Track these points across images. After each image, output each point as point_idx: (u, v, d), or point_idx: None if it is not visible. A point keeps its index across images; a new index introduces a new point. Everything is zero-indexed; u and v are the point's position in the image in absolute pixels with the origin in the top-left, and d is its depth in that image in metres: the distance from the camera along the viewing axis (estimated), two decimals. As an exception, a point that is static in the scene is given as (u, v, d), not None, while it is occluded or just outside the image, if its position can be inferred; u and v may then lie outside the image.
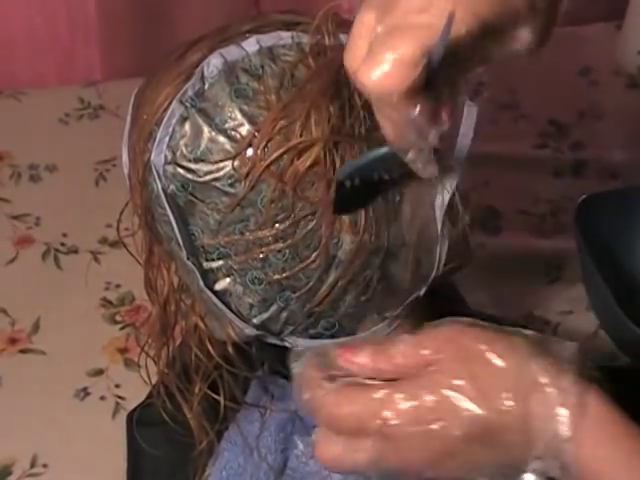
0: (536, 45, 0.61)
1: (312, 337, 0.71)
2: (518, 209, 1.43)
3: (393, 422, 0.57)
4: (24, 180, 1.49)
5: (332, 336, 0.71)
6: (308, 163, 0.65)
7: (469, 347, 0.59)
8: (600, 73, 1.69)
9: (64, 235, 1.40)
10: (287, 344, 0.72)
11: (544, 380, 0.57)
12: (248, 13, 1.83)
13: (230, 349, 0.74)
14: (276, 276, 0.68)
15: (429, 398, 0.57)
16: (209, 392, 0.76)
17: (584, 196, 1.17)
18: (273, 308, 0.70)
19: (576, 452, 0.56)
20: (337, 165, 0.65)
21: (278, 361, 0.75)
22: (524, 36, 0.61)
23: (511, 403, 0.56)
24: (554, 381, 0.56)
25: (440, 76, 0.56)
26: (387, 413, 0.58)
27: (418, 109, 0.56)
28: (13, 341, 1.26)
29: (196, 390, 0.76)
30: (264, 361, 0.76)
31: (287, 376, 0.76)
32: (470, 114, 0.71)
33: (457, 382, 0.57)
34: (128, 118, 0.74)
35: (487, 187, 1.45)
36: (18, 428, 1.16)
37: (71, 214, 1.43)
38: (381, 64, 0.55)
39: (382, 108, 0.58)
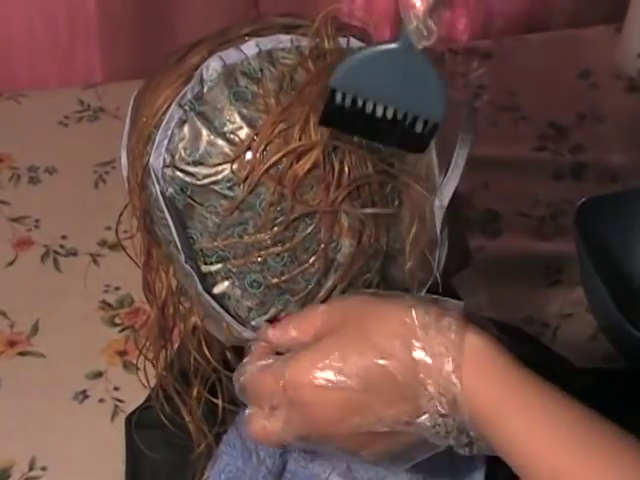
0: None
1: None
2: (518, 212, 1.43)
3: (292, 387, 0.62)
4: (23, 182, 1.49)
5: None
6: (307, 166, 0.65)
7: (361, 308, 0.63)
8: (600, 76, 1.69)
9: (63, 237, 1.39)
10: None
11: (425, 321, 0.60)
12: (248, 14, 1.83)
13: (228, 352, 0.74)
14: (275, 279, 0.68)
15: (323, 358, 0.61)
16: (208, 395, 0.76)
17: (584, 199, 1.17)
18: (272, 311, 0.70)
19: (462, 386, 0.59)
20: (336, 169, 0.65)
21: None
22: None
23: (398, 347, 0.60)
24: (435, 322, 0.60)
25: None
26: (288, 379, 0.63)
27: None
28: (12, 343, 1.25)
29: (194, 393, 0.76)
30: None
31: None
32: (471, 118, 0.71)
33: (347, 338, 0.62)
34: (127, 120, 0.74)
35: (487, 190, 1.45)
36: (17, 431, 1.15)
37: (70, 216, 1.42)
38: None
39: None
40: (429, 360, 0.59)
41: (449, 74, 1.71)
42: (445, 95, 0.62)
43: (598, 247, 1.15)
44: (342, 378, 0.61)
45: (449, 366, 0.59)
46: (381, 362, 0.60)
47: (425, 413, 0.60)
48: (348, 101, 0.62)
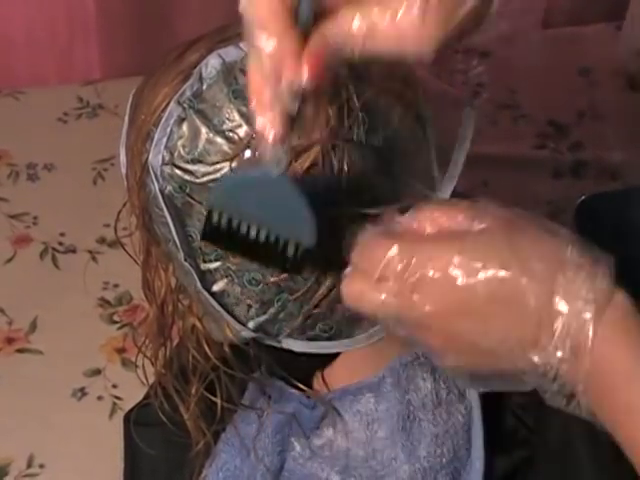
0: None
1: (309, 339, 0.71)
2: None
3: (421, 269, 0.57)
4: (22, 179, 1.49)
5: (329, 338, 0.71)
6: (306, 165, 0.65)
7: (514, 222, 0.59)
8: (600, 73, 1.69)
9: (62, 234, 1.40)
10: (284, 346, 0.72)
11: (580, 261, 0.56)
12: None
13: (227, 350, 0.74)
14: (273, 278, 0.68)
15: (463, 252, 0.57)
16: (206, 393, 0.76)
17: (583, 197, 1.17)
18: (270, 310, 0.69)
19: (594, 337, 0.55)
20: (335, 167, 0.65)
21: (275, 363, 0.75)
22: None
23: (541, 268, 0.56)
24: (589, 266, 0.56)
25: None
26: (418, 258, 0.57)
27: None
28: (10, 340, 1.25)
29: (193, 391, 0.76)
30: (261, 363, 0.76)
31: (284, 378, 0.76)
32: (468, 118, 0.71)
33: (493, 244, 0.57)
34: (126, 118, 0.73)
35: (486, 187, 1.45)
36: (15, 428, 1.16)
37: (69, 213, 1.42)
38: None
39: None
40: (570, 299, 0.55)
41: (449, 72, 1.71)
42: (312, 222, 0.61)
43: (596, 244, 1.15)
44: (473, 281, 0.56)
45: (589, 313, 0.55)
46: (521, 279, 0.56)
47: (539, 348, 0.56)
48: (224, 221, 0.62)
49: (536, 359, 0.56)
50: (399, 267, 0.58)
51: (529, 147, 1.54)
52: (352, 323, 0.71)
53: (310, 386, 0.76)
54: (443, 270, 0.57)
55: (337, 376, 0.75)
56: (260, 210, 0.61)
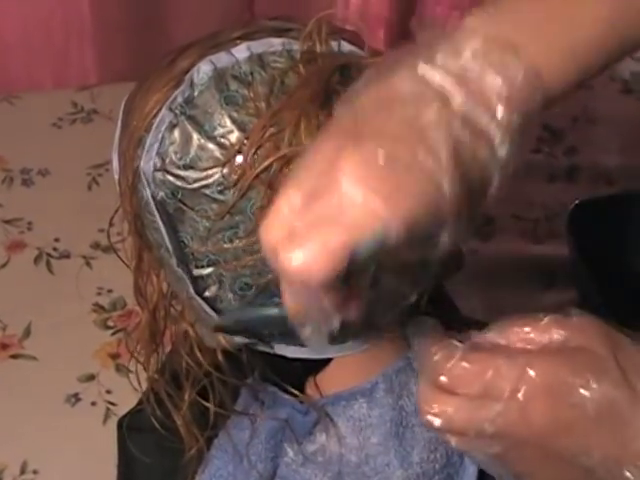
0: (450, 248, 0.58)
1: (302, 345, 0.71)
2: (511, 214, 1.43)
3: (531, 386, 0.56)
4: (16, 184, 1.49)
5: (322, 344, 0.71)
6: None
7: (614, 335, 0.58)
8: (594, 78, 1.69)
9: (56, 240, 1.39)
10: (277, 351, 0.72)
11: None
12: (242, 17, 1.83)
13: (220, 356, 0.74)
14: (266, 283, 0.68)
15: (571, 372, 0.56)
16: (199, 399, 0.76)
17: (577, 201, 1.17)
18: (263, 315, 0.69)
19: None
20: None
21: (268, 369, 0.75)
22: (443, 243, 0.57)
23: None
24: None
25: (356, 271, 0.55)
26: (530, 376, 0.56)
27: (329, 297, 0.54)
28: (4, 346, 1.25)
29: (186, 397, 0.76)
30: (254, 369, 0.76)
31: (277, 383, 0.76)
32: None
33: (599, 364, 0.57)
34: (118, 124, 0.73)
35: (480, 192, 1.45)
36: (8, 434, 1.15)
37: (63, 219, 1.42)
38: (308, 250, 0.52)
39: (291, 284, 0.55)
40: None
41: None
42: None
43: (591, 249, 1.15)
44: (584, 399, 0.56)
45: None
46: (629, 399, 0.56)
47: (635, 466, 0.56)
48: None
49: (629, 475, 0.56)
50: (505, 385, 0.56)
51: (524, 151, 1.54)
52: (344, 329, 0.71)
53: (303, 392, 0.76)
54: (553, 387, 0.56)
55: (330, 382, 0.75)
56: None
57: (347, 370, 0.75)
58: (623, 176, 1.48)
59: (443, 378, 0.58)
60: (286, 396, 0.76)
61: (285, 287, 0.55)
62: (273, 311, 0.63)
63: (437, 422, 0.58)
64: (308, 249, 0.52)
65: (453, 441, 0.58)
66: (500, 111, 0.55)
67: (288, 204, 0.54)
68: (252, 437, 0.77)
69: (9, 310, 1.29)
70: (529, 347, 0.59)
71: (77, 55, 1.84)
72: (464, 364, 0.58)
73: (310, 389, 0.76)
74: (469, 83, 0.55)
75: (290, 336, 0.63)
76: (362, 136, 0.54)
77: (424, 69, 0.56)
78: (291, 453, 0.76)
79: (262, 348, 0.72)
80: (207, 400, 0.76)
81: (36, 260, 1.37)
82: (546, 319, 0.59)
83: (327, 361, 0.74)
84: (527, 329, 0.59)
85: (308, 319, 0.56)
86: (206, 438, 0.79)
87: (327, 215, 0.53)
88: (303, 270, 0.52)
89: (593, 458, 0.56)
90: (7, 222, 1.42)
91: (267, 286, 0.68)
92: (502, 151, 0.56)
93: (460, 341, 0.60)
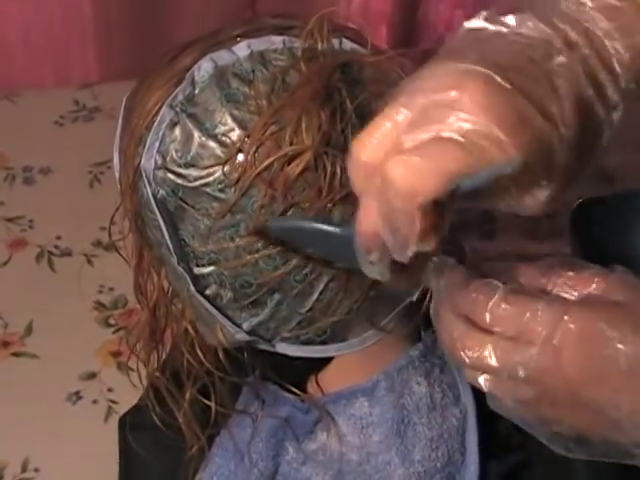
0: (547, 205, 0.56)
1: (303, 343, 0.71)
2: (513, 212, 1.43)
3: (564, 333, 0.55)
4: (18, 182, 1.49)
5: (323, 342, 0.71)
6: (299, 169, 0.64)
7: None
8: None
9: (58, 238, 1.39)
10: (278, 350, 0.72)
11: None
12: (243, 15, 1.83)
13: (221, 355, 0.74)
14: (267, 281, 0.68)
15: (606, 324, 0.55)
16: (200, 397, 0.76)
17: (579, 200, 1.17)
18: (264, 312, 0.69)
19: None
20: (328, 172, 0.65)
21: (269, 367, 0.75)
22: (539, 193, 0.56)
23: None
24: None
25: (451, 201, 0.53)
26: (560, 323, 0.55)
27: (421, 221, 0.51)
28: (5, 344, 1.25)
29: (187, 395, 0.76)
30: (255, 367, 0.76)
31: (278, 382, 0.76)
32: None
33: (637, 319, 0.56)
34: (119, 121, 0.73)
35: (482, 190, 1.45)
36: (9, 432, 1.15)
37: (65, 217, 1.42)
38: (421, 166, 0.50)
39: (389, 199, 0.52)
40: None
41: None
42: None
43: (594, 249, 1.15)
44: (617, 351, 0.55)
45: None
46: None
47: None
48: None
49: None
50: (542, 330, 0.55)
51: (526, 150, 1.53)
52: (346, 327, 0.71)
53: (304, 390, 0.76)
54: (589, 337, 0.55)
55: (331, 380, 0.75)
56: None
57: (348, 369, 0.75)
58: (625, 174, 1.48)
59: (487, 315, 0.56)
60: (287, 394, 0.76)
61: (373, 203, 0.52)
62: (331, 229, 0.59)
63: (471, 358, 0.56)
64: (421, 165, 0.50)
65: (482, 381, 0.57)
66: (620, 76, 0.55)
67: (392, 121, 0.52)
68: (253, 435, 0.77)
69: (10, 308, 1.29)
70: (569, 294, 0.58)
71: (79, 53, 1.84)
72: (504, 305, 0.56)
73: (311, 388, 0.76)
74: (593, 38, 0.55)
75: (338, 259, 0.62)
76: (488, 64, 0.51)
77: (551, 14, 0.55)
78: (292, 452, 0.76)
79: (263, 346, 0.72)
80: (208, 398, 0.76)
81: (38, 258, 1.37)
82: (591, 269, 0.59)
83: (328, 360, 0.74)
84: (571, 274, 0.59)
85: (380, 244, 0.54)
86: (207, 436, 0.78)
87: (443, 137, 0.50)
88: (412, 185, 0.50)
89: (621, 411, 0.55)
90: (9, 220, 1.42)
91: (269, 284, 0.68)
92: (616, 115, 0.55)
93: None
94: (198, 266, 0.69)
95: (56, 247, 1.38)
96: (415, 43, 2.04)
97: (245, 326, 0.70)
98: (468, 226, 1.36)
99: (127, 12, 1.81)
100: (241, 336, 0.70)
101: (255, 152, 0.64)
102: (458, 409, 0.76)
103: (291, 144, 0.64)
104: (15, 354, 1.24)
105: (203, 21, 1.80)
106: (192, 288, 0.69)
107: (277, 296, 0.68)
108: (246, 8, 1.87)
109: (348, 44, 0.68)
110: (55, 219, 1.42)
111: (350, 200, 0.66)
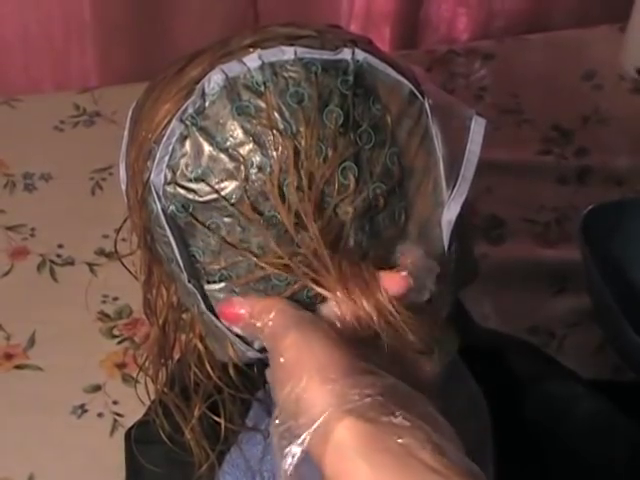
0: None
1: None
2: (522, 217, 1.41)
3: None
4: (18, 189, 1.47)
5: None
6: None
7: None
8: (604, 77, 1.67)
9: (60, 246, 1.38)
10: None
11: None
12: (245, 18, 1.82)
13: (231, 370, 0.72)
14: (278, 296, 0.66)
15: None
16: (209, 413, 0.75)
17: (590, 207, 1.16)
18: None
19: None
20: (342, 184, 0.64)
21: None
22: None
23: None
24: None
25: None
26: None
27: None
28: (8, 356, 1.24)
29: (195, 411, 0.75)
30: (266, 382, 0.74)
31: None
32: (478, 128, 0.69)
33: None
34: (125, 133, 0.72)
35: (490, 194, 1.43)
36: (14, 446, 1.14)
37: (67, 224, 1.40)
38: None
39: None
40: None
41: (450, 75, 1.69)
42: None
43: (604, 254, 1.14)
44: None
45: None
46: None
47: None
48: None
49: None
50: None
51: (533, 153, 1.52)
52: None
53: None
54: None
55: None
56: None
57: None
58: (634, 177, 1.46)
59: None
60: (299, 411, 0.74)
61: None
62: None
63: None
64: None
65: None
66: None
67: None
68: (264, 453, 0.75)
69: (13, 319, 1.28)
70: None
71: (78, 57, 1.83)
72: None
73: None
74: None
75: None
76: None
77: None
78: (305, 469, 0.75)
79: (274, 363, 0.71)
80: (217, 414, 0.75)
81: (39, 267, 1.35)
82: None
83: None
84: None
85: None
86: (217, 453, 0.77)
87: None
88: None
89: None
90: (9, 228, 1.40)
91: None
92: None
93: None
94: (209, 282, 0.67)
95: (58, 256, 1.36)
96: (418, 43, 2.03)
97: (256, 344, 0.69)
98: (477, 231, 1.35)
99: (127, 15, 1.80)
100: (252, 354, 0.69)
101: (270, 166, 0.63)
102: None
103: (307, 159, 0.63)
104: (18, 366, 1.22)
105: (204, 24, 1.79)
106: (202, 305, 0.67)
107: (289, 312, 0.67)
108: (248, 9, 1.85)
109: (359, 53, 0.67)
110: (57, 227, 1.40)
111: (364, 212, 0.65)
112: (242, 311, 0.66)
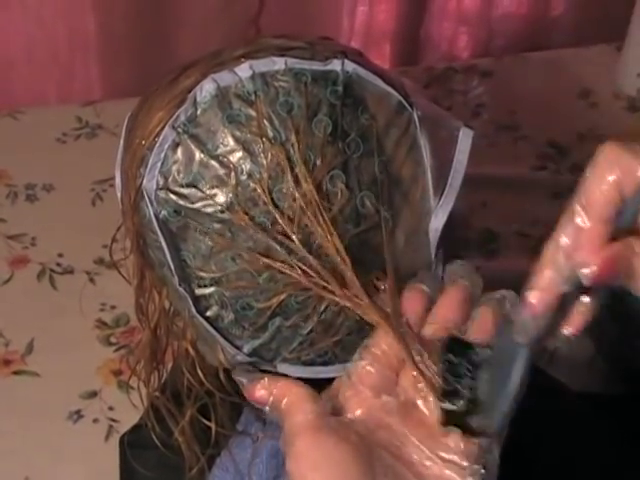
0: None
1: (305, 364, 0.71)
2: (516, 231, 1.42)
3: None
4: (20, 200, 1.49)
5: (325, 363, 0.71)
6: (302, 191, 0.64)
7: None
8: (600, 95, 1.69)
9: (60, 255, 1.39)
10: (280, 371, 0.71)
11: None
12: (247, 31, 1.83)
13: (222, 375, 0.73)
14: (268, 303, 0.67)
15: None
16: (200, 417, 0.75)
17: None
18: (265, 335, 0.69)
19: None
20: (330, 193, 0.65)
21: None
22: None
23: None
24: None
25: None
26: None
27: None
28: (6, 362, 1.25)
29: (187, 415, 0.76)
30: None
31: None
32: (465, 138, 0.71)
33: None
34: (121, 142, 0.73)
35: (485, 209, 1.44)
36: (10, 451, 1.15)
37: (67, 234, 1.42)
38: None
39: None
40: None
41: (448, 92, 1.71)
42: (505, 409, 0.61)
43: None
44: None
45: None
46: None
47: None
48: None
49: None
50: None
51: (529, 168, 1.53)
52: (347, 348, 0.70)
53: (305, 411, 0.75)
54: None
55: (332, 401, 0.75)
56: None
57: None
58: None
59: None
60: (288, 416, 0.75)
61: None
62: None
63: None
64: None
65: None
66: None
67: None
68: (254, 456, 0.76)
69: (12, 326, 1.29)
70: None
71: (82, 70, 1.85)
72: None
73: (313, 408, 0.75)
74: None
75: None
76: None
77: None
78: (293, 473, 0.76)
79: (264, 367, 0.72)
80: (208, 418, 0.76)
81: (39, 276, 1.36)
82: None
83: (330, 380, 0.74)
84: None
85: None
86: (208, 456, 0.78)
87: None
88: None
89: None
90: (11, 237, 1.42)
91: (270, 307, 0.67)
92: None
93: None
94: (200, 287, 0.68)
95: (58, 265, 1.37)
96: (418, 60, 2.04)
97: (246, 349, 0.70)
98: (470, 245, 1.36)
99: (131, 29, 1.82)
100: (242, 357, 0.70)
101: (258, 173, 0.65)
102: None
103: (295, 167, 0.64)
104: (16, 372, 1.24)
105: (207, 38, 1.81)
106: (193, 309, 0.69)
107: (278, 318, 0.68)
108: (250, 25, 1.87)
109: (349, 64, 0.68)
110: (57, 237, 1.41)
111: (352, 219, 0.65)
112: (262, 392, 0.64)
